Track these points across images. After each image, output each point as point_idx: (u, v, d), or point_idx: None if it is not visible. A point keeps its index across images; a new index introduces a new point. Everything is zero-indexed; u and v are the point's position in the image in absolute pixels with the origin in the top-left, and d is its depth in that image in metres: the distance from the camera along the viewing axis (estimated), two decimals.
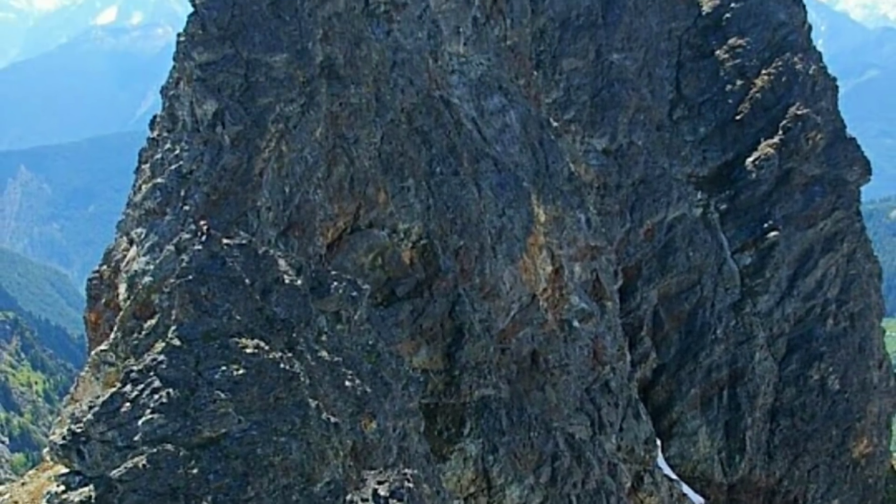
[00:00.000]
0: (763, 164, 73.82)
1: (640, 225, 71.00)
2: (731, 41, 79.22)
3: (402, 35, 54.16)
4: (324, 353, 34.42)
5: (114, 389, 29.74)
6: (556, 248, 59.61)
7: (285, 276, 34.81)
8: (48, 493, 28.65)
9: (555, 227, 59.98)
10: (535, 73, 68.40)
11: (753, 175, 73.76)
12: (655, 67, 77.59)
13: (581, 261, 62.27)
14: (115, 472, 27.32)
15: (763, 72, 77.72)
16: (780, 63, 77.52)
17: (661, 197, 71.45)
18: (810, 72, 77.68)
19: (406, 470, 34.21)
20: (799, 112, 74.95)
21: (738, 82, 77.85)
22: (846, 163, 75.60)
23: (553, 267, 58.99)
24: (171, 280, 33.14)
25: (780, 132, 74.74)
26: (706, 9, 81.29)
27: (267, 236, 40.24)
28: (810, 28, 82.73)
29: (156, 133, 46.16)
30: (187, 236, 35.52)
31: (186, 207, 39.30)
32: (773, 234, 72.51)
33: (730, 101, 77.42)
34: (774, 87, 76.64)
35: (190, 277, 32.00)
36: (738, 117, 76.58)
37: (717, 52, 79.00)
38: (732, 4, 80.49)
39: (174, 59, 45.02)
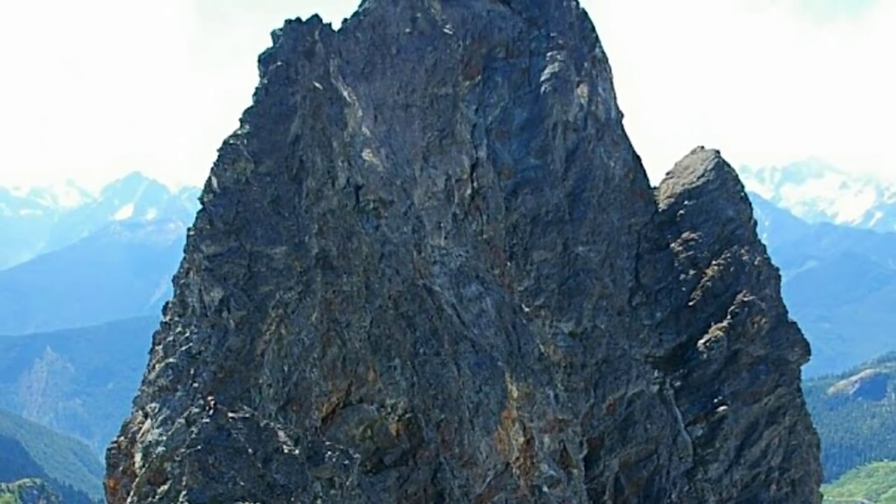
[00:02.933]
0: (713, 346, 74.29)
1: (602, 400, 71.02)
2: (684, 235, 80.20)
3: (389, 230, 55.14)
4: None
5: None
6: (528, 420, 59.81)
7: (284, 447, 35.14)
8: None
9: (526, 402, 60.27)
10: (509, 263, 69.33)
11: (704, 355, 74.18)
12: (617, 259, 78.39)
13: (550, 432, 62.41)
14: None
15: (713, 262, 78.59)
16: (728, 255, 78.46)
17: (622, 375, 71.62)
18: (756, 262, 78.58)
19: None
20: (745, 299, 75.67)
21: (691, 272, 78.64)
22: (788, 344, 76.11)
23: (525, 438, 59.13)
24: (182, 450, 33.48)
25: (729, 317, 75.36)
26: (662, 206, 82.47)
27: (268, 410, 40.56)
28: (756, 223, 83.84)
29: (168, 318, 46.70)
30: (196, 410, 35.91)
31: (196, 384, 39.73)
32: (722, 408, 72.60)
33: (683, 288, 78.13)
34: (724, 277, 77.46)
35: (199, 447, 32.37)
36: (690, 303, 77.24)
37: (673, 244, 79.93)
38: (686, 202, 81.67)
39: (185, 251, 45.81)
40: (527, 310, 67.83)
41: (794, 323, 78.78)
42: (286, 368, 43.14)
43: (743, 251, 78.85)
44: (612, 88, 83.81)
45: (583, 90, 78.75)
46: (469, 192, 67.07)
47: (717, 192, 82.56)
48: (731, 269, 77.80)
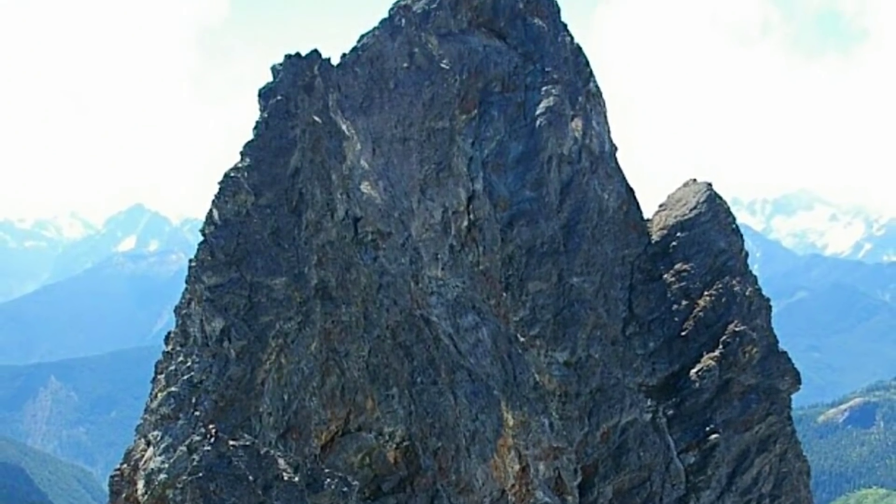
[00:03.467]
0: (705, 375, 74.19)
1: (597, 428, 70.88)
2: (677, 266, 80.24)
3: (387, 261, 55.25)
4: None
5: None
6: (523, 448, 59.77)
7: (284, 474, 35.14)
8: None
9: (522, 430, 60.23)
10: (505, 294, 69.37)
11: (697, 384, 74.09)
12: (611, 289, 78.35)
13: (545, 460, 62.34)
14: None
15: (705, 293, 78.56)
16: (720, 285, 78.47)
17: (616, 404, 71.49)
18: (747, 293, 78.57)
19: None
20: (737, 329, 75.59)
21: (684, 302, 78.63)
22: (778, 374, 76.00)
23: (520, 465, 59.09)
24: (184, 477, 33.50)
25: (721, 346, 75.29)
26: (655, 237, 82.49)
27: (268, 438, 40.54)
28: (747, 255, 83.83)
29: (170, 347, 46.70)
30: (198, 438, 35.91)
31: (197, 413, 39.70)
32: (714, 436, 72.44)
33: (676, 319, 78.06)
34: (715, 307, 77.41)
35: (200, 475, 32.38)
36: (683, 333, 77.16)
37: (665, 275, 79.92)
38: (678, 234, 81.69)
39: (186, 282, 45.89)
40: (522, 340, 67.86)
41: (785, 352, 78.76)
42: (286, 397, 43.16)
43: (734, 282, 78.87)
44: (606, 122, 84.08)
45: (577, 124, 78.97)
46: (465, 223, 67.18)
47: (709, 224, 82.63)
48: (723, 299, 77.81)
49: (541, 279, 72.77)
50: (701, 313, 77.78)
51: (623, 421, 71.90)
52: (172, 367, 44.16)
